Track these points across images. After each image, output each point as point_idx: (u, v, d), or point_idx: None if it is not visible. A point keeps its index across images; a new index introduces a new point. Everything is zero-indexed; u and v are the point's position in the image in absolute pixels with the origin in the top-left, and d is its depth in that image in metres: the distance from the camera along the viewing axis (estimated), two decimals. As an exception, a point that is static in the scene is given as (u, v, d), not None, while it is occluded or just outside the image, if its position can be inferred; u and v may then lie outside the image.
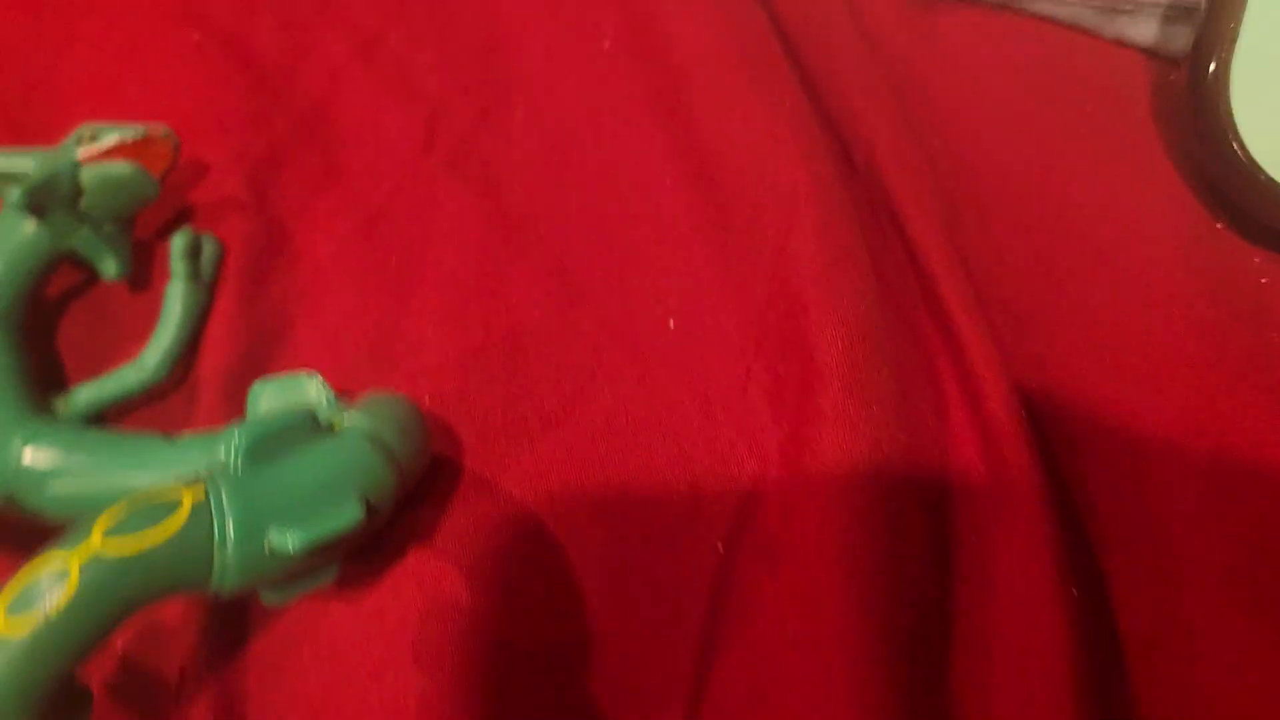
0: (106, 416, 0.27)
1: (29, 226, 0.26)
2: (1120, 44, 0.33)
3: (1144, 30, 0.33)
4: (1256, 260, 0.28)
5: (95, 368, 0.27)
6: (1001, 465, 0.24)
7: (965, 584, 0.23)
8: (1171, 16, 0.33)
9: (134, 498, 0.19)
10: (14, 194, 0.25)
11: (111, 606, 0.17)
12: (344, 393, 0.25)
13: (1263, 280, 0.28)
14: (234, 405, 0.26)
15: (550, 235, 0.29)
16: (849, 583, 0.21)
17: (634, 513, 0.24)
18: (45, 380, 0.26)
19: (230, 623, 0.23)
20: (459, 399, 0.26)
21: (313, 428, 0.21)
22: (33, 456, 0.23)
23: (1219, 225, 0.29)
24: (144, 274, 0.29)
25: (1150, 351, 0.27)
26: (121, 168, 0.26)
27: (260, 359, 0.27)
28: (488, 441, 0.25)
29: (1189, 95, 0.30)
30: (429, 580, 0.22)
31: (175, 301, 0.27)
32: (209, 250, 0.28)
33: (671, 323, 0.27)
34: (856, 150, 0.30)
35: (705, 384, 0.26)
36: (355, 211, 0.29)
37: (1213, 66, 0.29)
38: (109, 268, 0.27)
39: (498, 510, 0.24)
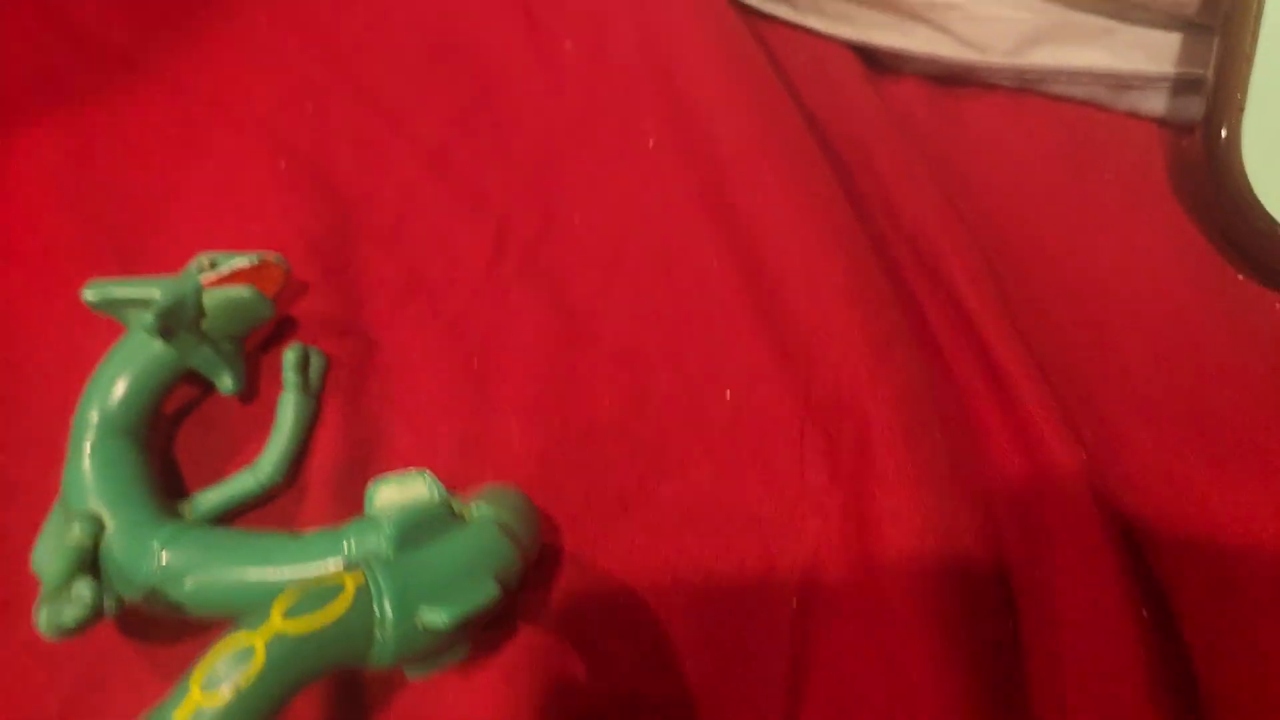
0: (225, 518, 0.29)
1: (157, 347, 0.29)
2: (1133, 115, 0.36)
3: (1154, 103, 0.35)
4: (1279, 307, 0.31)
5: (211, 474, 0.30)
6: (1061, 502, 0.26)
7: (1035, 617, 0.25)
8: (1178, 89, 0.35)
9: (303, 583, 0.21)
10: (145, 318, 0.28)
11: (292, 679, 0.20)
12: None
13: None
14: (341, 503, 0.28)
15: (612, 326, 0.31)
16: (925, 632, 0.23)
17: (712, 577, 0.27)
18: (168, 488, 0.29)
19: (351, 702, 0.26)
20: (545, 487, 0.28)
21: (448, 518, 0.24)
22: (170, 558, 0.25)
23: (1240, 277, 0.32)
24: (253, 385, 0.31)
25: (1189, 402, 0.29)
26: (241, 291, 0.29)
27: (363, 460, 0.29)
28: (577, 524, 0.27)
29: (1205, 160, 0.32)
30: (539, 652, 0.24)
31: (288, 410, 0.29)
32: (316, 363, 0.31)
33: (728, 394, 0.29)
34: (900, 228, 0.33)
35: (765, 449, 0.28)
36: (437, 319, 0.32)
37: (1224, 132, 0.31)
38: (226, 383, 0.30)
39: (592, 586, 0.26)
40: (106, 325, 0.29)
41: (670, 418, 0.29)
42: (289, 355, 0.30)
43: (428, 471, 0.25)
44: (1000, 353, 0.29)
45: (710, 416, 0.29)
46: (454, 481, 0.27)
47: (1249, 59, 0.31)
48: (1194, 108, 0.34)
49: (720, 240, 0.32)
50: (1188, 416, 0.28)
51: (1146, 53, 0.35)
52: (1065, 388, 0.29)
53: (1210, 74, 0.32)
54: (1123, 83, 0.35)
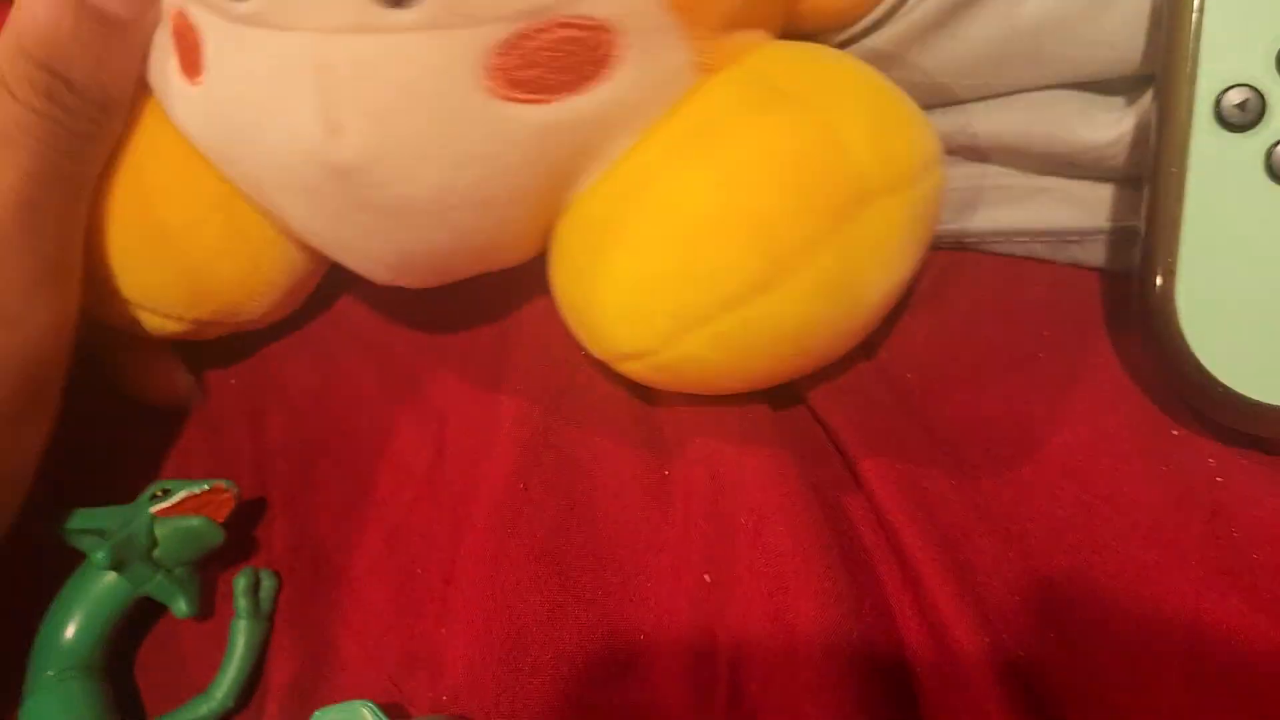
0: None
1: (109, 579, 0.30)
2: (1075, 266, 0.36)
3: (1093, 255, 0.36)
4: (1211, 462, 0.31)
5: (169, 696, 0.30)
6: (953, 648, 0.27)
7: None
8: (1116, 239, 0.35)
9: None
10: (97, 554, 0.29)
11: None
12: (393, 705, 0.28)
13: (1218, 480, 0.30)
14: (296, 723, 0.29)
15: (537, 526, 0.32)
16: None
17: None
18: (126, 715, 0.30)
19: None
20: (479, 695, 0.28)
21: None
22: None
23: (1175, 432, 0.32)
24: (208, 604, 0.32)
25: (1121, 559, 0.29)
26: (191, 520, 0.30)
27: (314, 677, 0.30)
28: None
29: (1140, 315, 0.32)
30: None
31: (239, 636, 0.30)
32: (267, 584, 0.31)
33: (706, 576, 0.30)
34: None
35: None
36: (380, 525, 0.32)
37: (1158, 283, 0.32)
38: (180, 607, 0.31)
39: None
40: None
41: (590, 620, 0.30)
42: (239, 581, 0.30)
43: (370, 703, 0.26)
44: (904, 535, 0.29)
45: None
46: (404, 696, 0.28)
47: (1177, 217, 0.31)
48: (1133, 256, 0.34)
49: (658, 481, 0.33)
50: (1124, 575, 0.29)
51: (1081, 208, 0.35)
52: (1003, 541, 0.29)
53: (1142, 227, 0.32)
54: (1060, 238, 0.36)
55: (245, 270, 0.33)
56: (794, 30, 0.33)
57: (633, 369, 0.31)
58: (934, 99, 0.35)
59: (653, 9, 0.27)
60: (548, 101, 0.27)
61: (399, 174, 0.27)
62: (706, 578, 0.30)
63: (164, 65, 0.30)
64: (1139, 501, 0.30)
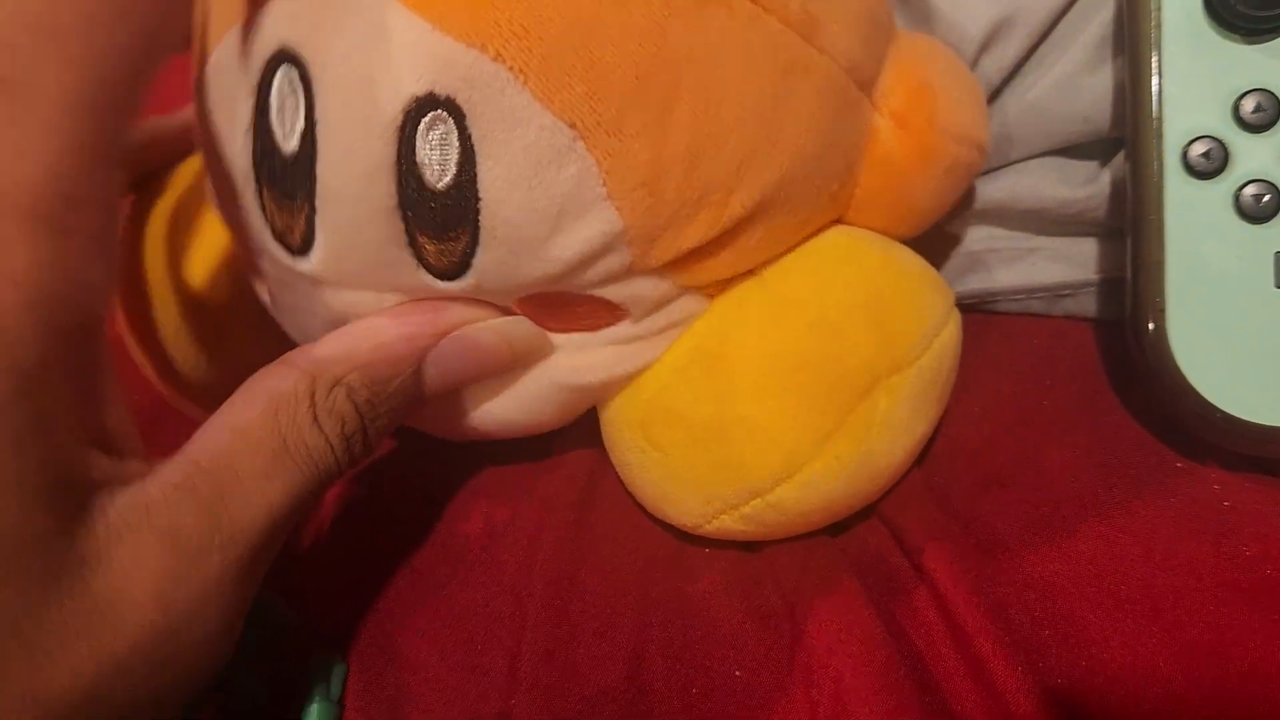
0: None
1: None
2: (1070, 319, 0.39)
3: (1086, 306, 0.38)
4: (1216, 488, 0.33)
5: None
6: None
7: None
8: (1106, 290, 0.38)
9: None
10: None
11: None
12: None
13: (1225, 504, 0.32)
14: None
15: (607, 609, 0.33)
16: None
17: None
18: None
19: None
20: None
21: None
22: None
23: (1179, 464, 0.34)
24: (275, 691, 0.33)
25: (1147, 591, 0.30)
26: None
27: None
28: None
29: (1137, 355, 0.34)
30: None
31: None
32: (338, 671, 0.33)
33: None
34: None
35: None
36: (439, 603, 0.34)
37: (1151, 327, 0.34)
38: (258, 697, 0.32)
39: None
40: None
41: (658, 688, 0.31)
42: (313, 668, 0.32)
43: None
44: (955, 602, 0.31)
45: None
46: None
47: (1160, 261, 0.33)
48: (1122, 304, 0.37)
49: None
50: (1149, 606, 0.30)
51: (1070, 264, 0.38)
52: (1024, 592, 0.31)
53: (1129, 276, 0.35)
54: (1054, 293, 0.38)
55: None
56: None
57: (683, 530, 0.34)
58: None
59: (662, 290, 0.30)
60: (565, 333, 0.31)
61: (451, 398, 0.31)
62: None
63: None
64: (1154, 528, 0.32)
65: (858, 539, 0.34)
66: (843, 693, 0.30)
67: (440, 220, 0.26)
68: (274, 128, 0.26)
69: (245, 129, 0.27)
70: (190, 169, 0.37)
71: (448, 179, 0.26)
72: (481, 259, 0.27)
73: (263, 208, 0.27)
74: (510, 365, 0.30)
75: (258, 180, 0.27)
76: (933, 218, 0.35)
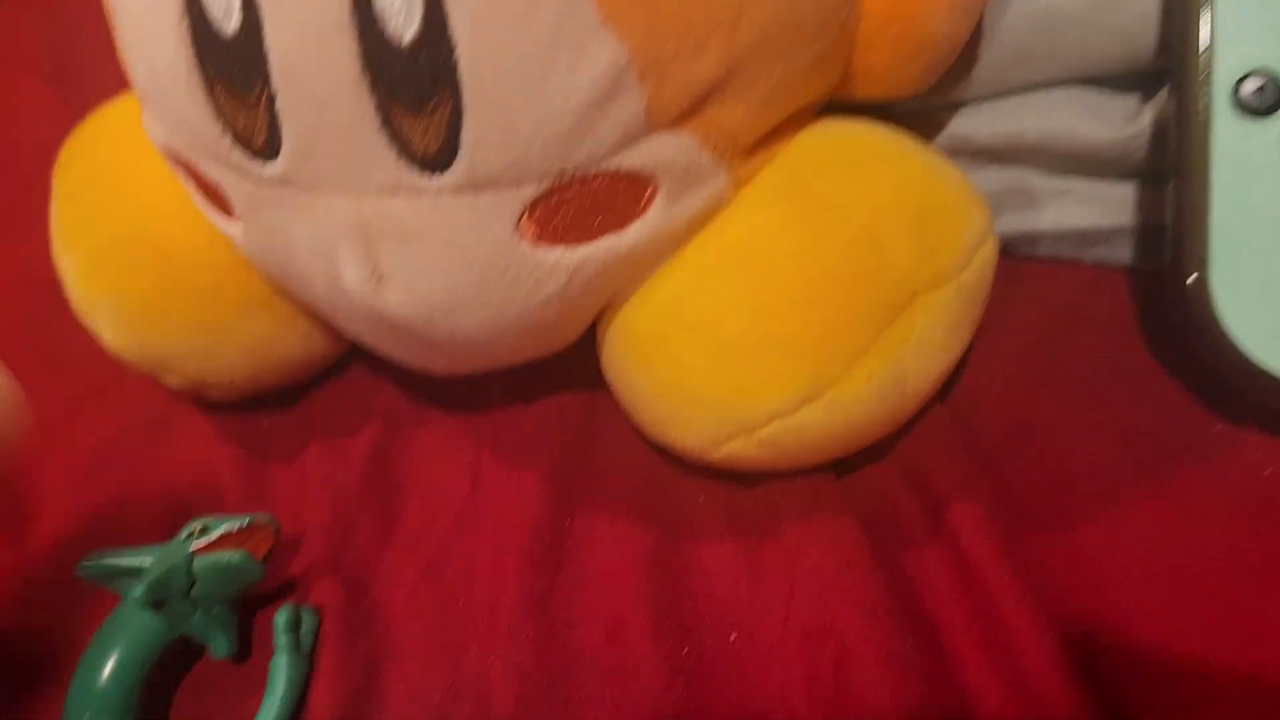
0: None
1: (145, 618, 0.30)
2: (1102, 266, 0.36)
3: (1121, 253, 0.36)
4: (1255, 454, 0.31)
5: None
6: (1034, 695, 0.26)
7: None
8: (1142, 236, 0.35)
9: None
10: (135, 590, 0.29)
11: None
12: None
13: (1265, 472, 0.30)
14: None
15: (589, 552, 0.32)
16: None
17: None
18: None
19: None
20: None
21: None
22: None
23: (1218, 428, 0.32)
24: (245, 643, 0.32)
25: (1185, 565, 0.29)
26: (231, 556, 0.30)
27: (357, 715, 0.29)
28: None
29: (1176, 307, 0.32)
30: None
31: (280, 674, 0.30)
32: (307, 622, 0.31)
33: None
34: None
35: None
36: (418, 557, 0.32)
37: (1192, 277, 0.32)
38: (219, 647, 0.31)
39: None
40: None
41: (645, 650, 0.30)
42: (280, 618, 0.30)
43: None
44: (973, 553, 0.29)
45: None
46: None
47: (1205, 207, 0.31)
48: (1160, 253, 0.34)
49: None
50: (1185, 581, 0.29)
51: (1104, 207, 0.36)
52: (1056, 551, 0.30)
53: (1170, 222, 0.32)
54: (1086, 238, 0.36)
55: (299, 351, 0.35)
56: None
57: (684, 457, 0.31)
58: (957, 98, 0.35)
59: (688, 152, 0.27)
60: (586, 243, 0.27)
61: (445, 319, 0.28)
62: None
63: (189, 185, 0.30)
64: (1190, 498, 0.30)
65: (867, 481, 0.32)
66: (845, 659, 0.28)
67: (414, 83, 0.23)
68: (209, 7, 0.24)
69: (178, 18, 0.24)
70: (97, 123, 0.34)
71: (414, 28, 0.22)
72: (471, 129, 0.24)
73: (217, 110, 0.25)
74: None
75: (205, 78, 0.25)
76: (945, 56, 0.31)
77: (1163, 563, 0.29)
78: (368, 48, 0.23)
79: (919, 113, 0.34)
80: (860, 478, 0.32)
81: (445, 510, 0.34)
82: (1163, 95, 0.34)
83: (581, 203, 0.26)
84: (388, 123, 0.24)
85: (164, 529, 0.32)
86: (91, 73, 0.41)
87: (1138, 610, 0.28)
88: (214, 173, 0.27)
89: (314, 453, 0.36)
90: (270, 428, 0.37)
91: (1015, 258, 0.37)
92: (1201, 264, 0.31)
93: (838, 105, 0.31)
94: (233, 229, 0.29)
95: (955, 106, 0.35)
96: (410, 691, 0.30)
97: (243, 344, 0.33)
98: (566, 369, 0.34)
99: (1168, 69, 0.33)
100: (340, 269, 0.27)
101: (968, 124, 0.35)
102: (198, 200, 0.30)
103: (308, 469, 0.35)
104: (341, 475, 0.35)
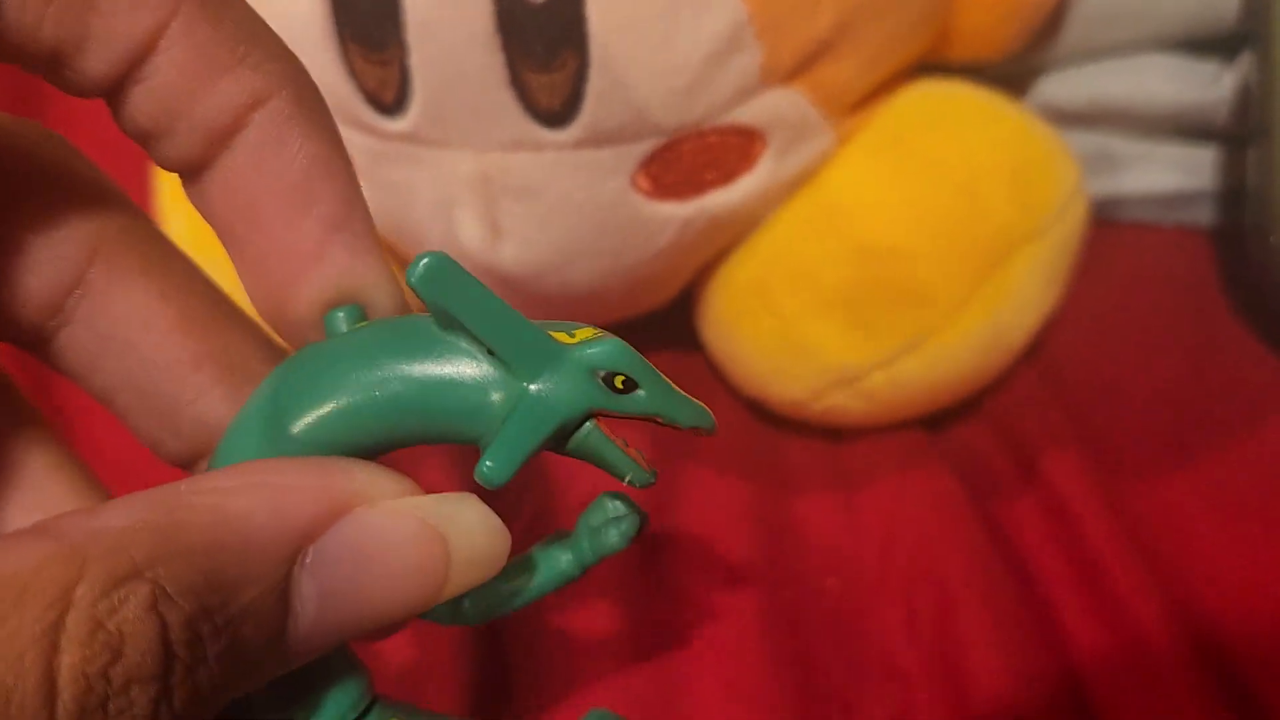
0: None
1: None
2: (1183, 229, 0.37)
3: (1201, 215, 0.37)
4: None
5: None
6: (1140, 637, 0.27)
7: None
8: (1223, 199, 0.36)
9: None
10: None
11: None
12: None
13: None
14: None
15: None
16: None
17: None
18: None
19: None
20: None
21: None
22: None
23: None
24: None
25: (1270, 511, 0.30)
26: None
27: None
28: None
29: (1259, 270, 0.33)
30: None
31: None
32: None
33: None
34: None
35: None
36: (516, 524, 0.33)
37: (1273, 239, 0.32)
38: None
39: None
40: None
41: (745, 595, 0.30)
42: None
43: None
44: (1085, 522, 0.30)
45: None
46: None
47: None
48: (1241, 215, 0.35)
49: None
50: (1261, 517, 0.30)
51: (1185, 171, 0.36)
52: (1145, 500, 0.30)
53: (1252, 184, 0.33)
54: (1168, 202, 0.37)
55: None
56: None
57: (780, 412, 0.32)
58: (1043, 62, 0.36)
59: (798, 108, 0.28)
60: (697, 197, 0.28)
61: (557, 272, 0.29)
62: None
63: None
64: (1272, 449, 0.31)
65: (957, 437, 0.33)
66: (945, 605, 0.29)
67: (543, 40, 0.24)
68: None
69: None
70: None
71: None
72: (595, 85, 0.25)
73: (350, 68, 0.26)
74: (440, 590, 0.16)
75: (340, 38, 0.26)
76: (1038, 18, 0.32)
77: (1248, 510, 0.30)
78: (502, 6, 0.24)
79: (1005, 77, 0.35)
80: (952, 433, 0.33)
81: (538, 472, 0.34)
82: (1244, 59, 0.34)
83: (695, 157, 0.27)
84: (516, 79, 0.25)
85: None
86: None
87: (1226, 555, 0.29)
88: None
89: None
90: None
91: (1099, 220, 0.37)
92: (1281, 224, 0.32)
93: (930, 68, 0.32)
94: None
95: (1040, 71, 0.36)
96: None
97: None
98: (655, 334, 0.35)
99: (1250, 32, 0.33)
100: (458, 225, 0.28)
101: (1052, 88, 0.36)
102: None
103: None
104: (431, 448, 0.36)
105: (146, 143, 0.16)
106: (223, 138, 0.16)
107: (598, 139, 0.26)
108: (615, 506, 0.19)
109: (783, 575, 0.30)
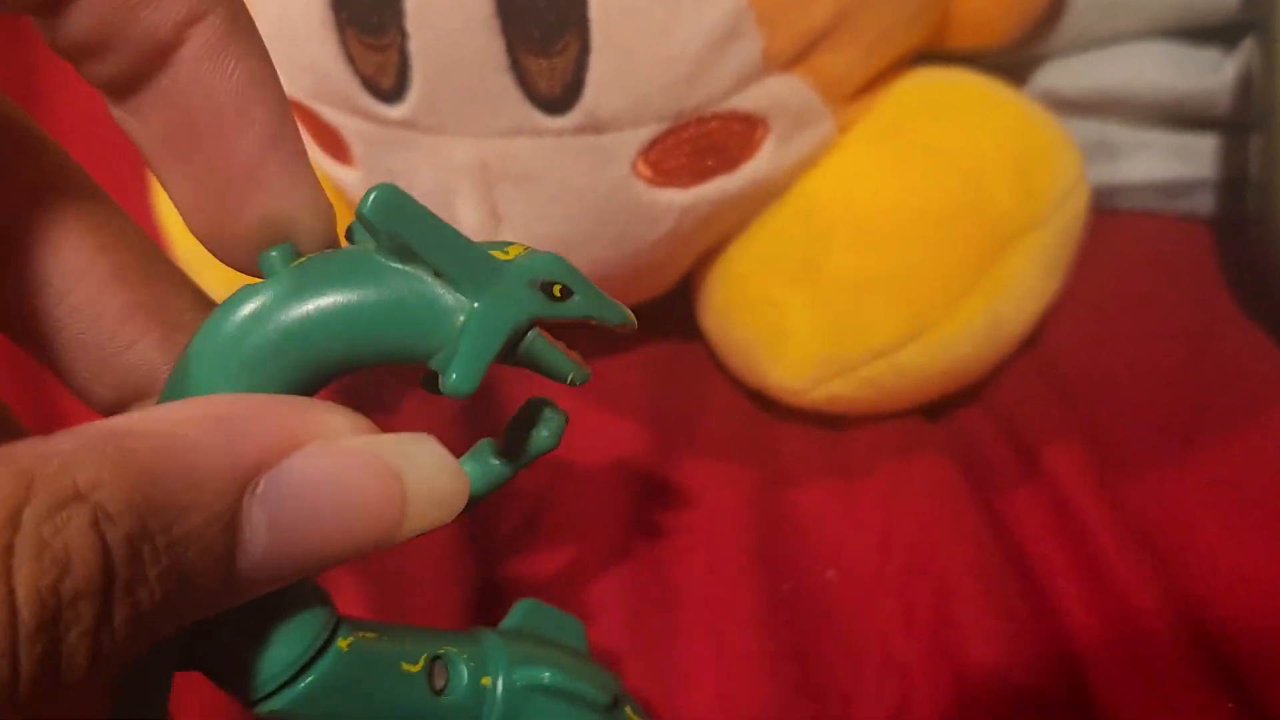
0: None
1: None
2: (1185, 218, 0.37)
3: (1202, 204, 0.37)
4: None
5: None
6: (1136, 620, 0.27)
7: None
8: (1224, 188, 0.36)
9: None
10: None
11: None
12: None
13: None
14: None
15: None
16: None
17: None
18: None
19: None
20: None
21: None
22: None
23: None
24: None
25: (1269, 502, 0.29)
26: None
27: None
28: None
29: (1261, 258, 0.33)
30: None
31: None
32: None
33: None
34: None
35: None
36: (515, 512, 0.33)
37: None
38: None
39: None
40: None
41: (745, 585, 0.30)
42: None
43: None
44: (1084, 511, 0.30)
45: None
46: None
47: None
48: (1241, 205, 0.35)
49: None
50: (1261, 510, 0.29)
51: (1186, 160, 0.36)
52: (1145, 490, 0.30)
53: (1254, 172, 0.33)
54: (1168, 190, 0.36)
55: None
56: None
57: (780, 399, 0.32)
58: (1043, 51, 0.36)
59: (800, 95, 0.28)
60: (698, 184, 0.28)
61: None
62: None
63: (304, 134, 0.30)
64: (1273, 438, 0.31)
65: (957, 424, 0.33)
66: (944, 595, 0.29)
67: (544, 25, 0.24)
68: None
69: None
70: None
71: None
72: (596, 71, 0.25)
73: (348, 54, 0.26)
74: (397, 528, 0.16)
75: (339, 24, 0.26)
76: (1038, 5, 0.32)
77: (1247, 499, 0.30)
78: None
79: (1005, 65, 0.35)
80: (951, 422, 0.33)
81: (540, 460, 0.34)
82: (1245, 47, 0.34)
83: (696, 144, 0.27)
84: (515, 64, 0.25)
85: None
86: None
87: (1225, 546, 0.29)
88: (335, 118, 0.28)
89: (411, 407, 0.37)
90: (367, 382, 0.38)
91: (1098, 209, 0.37)
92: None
93: (930, 56, 0.32)
94: (349, 176, 0.30)
95: (1040, 59, 0.36)
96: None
97: None
98: (653, 322, 0.35)
99: (1252, 20, 0.33)
100: (457, 211, 0.28)
101: (1051, 76, 0.36)
102: (313, 151, 0.31)
103: (406, 422, 0.36)
104: (438, 429, 0.36)
105: (79, 60, 0.16)
106: (160, 54, 0.16)
107: (598, 125, 0.26)
108: (545, 409, 0.20)
109: (781, 565, 0.30)
